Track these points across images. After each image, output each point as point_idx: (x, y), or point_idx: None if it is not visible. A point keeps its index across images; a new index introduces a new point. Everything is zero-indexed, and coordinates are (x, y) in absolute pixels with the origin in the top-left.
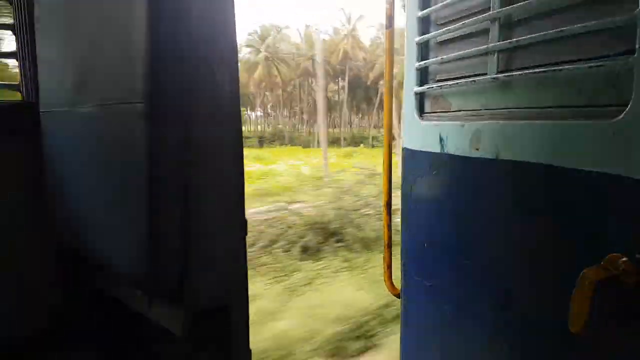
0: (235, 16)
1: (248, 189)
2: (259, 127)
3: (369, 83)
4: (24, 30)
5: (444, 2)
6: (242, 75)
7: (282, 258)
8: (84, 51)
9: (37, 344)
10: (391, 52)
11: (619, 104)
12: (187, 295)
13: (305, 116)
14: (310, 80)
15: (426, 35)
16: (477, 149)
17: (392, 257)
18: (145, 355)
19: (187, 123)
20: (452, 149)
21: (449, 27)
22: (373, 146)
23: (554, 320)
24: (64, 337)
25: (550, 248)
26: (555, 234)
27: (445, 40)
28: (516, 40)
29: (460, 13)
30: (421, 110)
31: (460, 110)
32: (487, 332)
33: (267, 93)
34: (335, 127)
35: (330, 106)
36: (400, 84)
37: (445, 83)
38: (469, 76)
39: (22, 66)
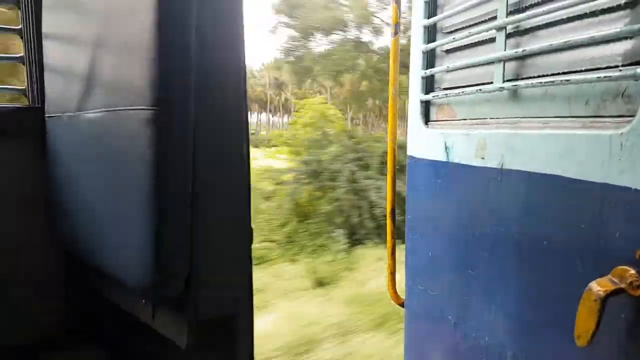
0: (245, 22)
1: None
2: None
3: None
4: (31, 35)
5: (450, 11)
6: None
7: None
8: (91, 56)
9: (40, 350)
10: (396, 59)
11: (626, 114)
12: (192, 305)
13: None
14: None
15: (432, 44)
16: (483, 158)
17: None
18: None
19: (195, 129)
20: (457, 157)
21: (455, 36)
22: None
23: (560, 333)
24: (68, 344)
25: (556, 260)
26: (561, 245)
27: (451, 49)
28: (522, 50)
29: (466, 22)
30: (426, 118)
31: (465, 119)
32: (492, 343)
33: None
34: None
35: None
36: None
37: (451, 91)
38: (475, 85)
39: (28, 70)
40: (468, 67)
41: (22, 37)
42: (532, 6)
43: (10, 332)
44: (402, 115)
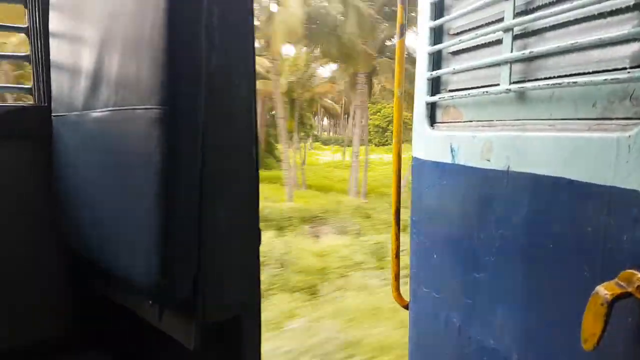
0: (254, 23)
1: None
2: None
3: None
4: (38, 34)
5: (457, 13)
6: None
7: None
8: (98, 55)
9: (46, 352)
10: (402, 61)
11: (634, 117)
12: (200, 306)
13: None
14: None
15: (438, 45)
16: (489, 160)
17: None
18: None
19: (204, 129)
20: (462, 159)
21: (461, 38)
22: None
23: (567, 337)
24: (74, 346)
25: (563, 263)
26: (567, 248)
27: (457, 51)
28: (530, 51)
29: (473, 23)
30: (432, 120)
31: (471, 121)
32: (498, 347)
33: None
34: None
35: None
36: None
37: (457, 93)
38: (481, 87)
39: (35, 69)
40: (474, 68)
41: (28, 36)
42: (539, 8)
43: (15, 333)
44: None
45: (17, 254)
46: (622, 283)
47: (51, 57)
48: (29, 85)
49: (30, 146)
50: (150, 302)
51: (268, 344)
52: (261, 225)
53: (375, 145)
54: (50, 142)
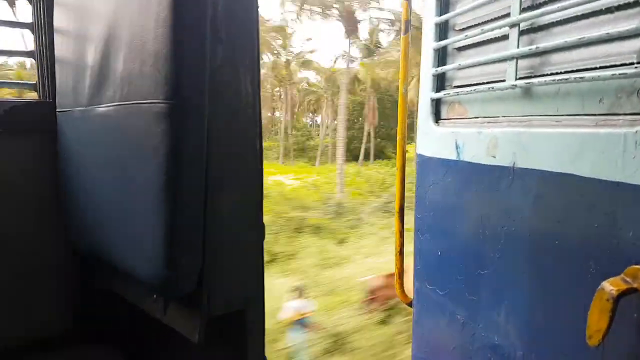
0: (259, 16)
1: None
2: None
3: None
4: (43, 29)
5: (463, 8)
6: None
7: None
8: (103, 50)
9: (51, 347)
10: (406, 57)
11: None
12: (204, 300)
13: None
14: None
15: (443, 41)
16: (494, 157)
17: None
18: (160, 358)
19: (209, 124)
20: (468, 156)
21: (467, 33)
22: None
23: (572, 333)
24: (79, 340)
25: (568, 259)
26: (573, 244)
27: (462, 46)
28: (536, 47)
29: (478, 19)
30: (437, 117)
31: (477, 117)
32: (502, 344)
33: None
34: None
35: None
36: None
37: (462, 89)
38: (487, 83)
39: (39, 65)
40: (480, 64)
41: (33, 32)
42: (545, 3)
43: (20, 329)
44: None
45: (21, 248)
46: (627, 279)
47: (56, 52)
48: (33, 81)
49: (35, 141)
50: (155, 296)
51: None
52: None
53: None
54: (55, 137)
